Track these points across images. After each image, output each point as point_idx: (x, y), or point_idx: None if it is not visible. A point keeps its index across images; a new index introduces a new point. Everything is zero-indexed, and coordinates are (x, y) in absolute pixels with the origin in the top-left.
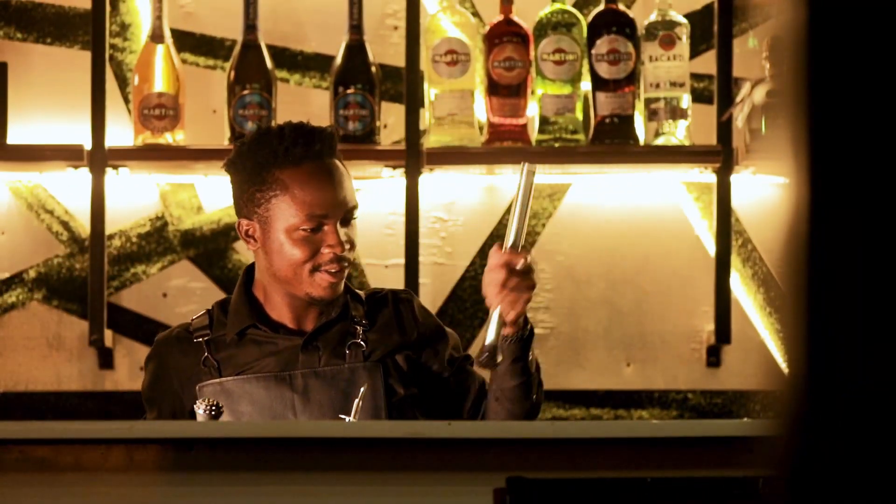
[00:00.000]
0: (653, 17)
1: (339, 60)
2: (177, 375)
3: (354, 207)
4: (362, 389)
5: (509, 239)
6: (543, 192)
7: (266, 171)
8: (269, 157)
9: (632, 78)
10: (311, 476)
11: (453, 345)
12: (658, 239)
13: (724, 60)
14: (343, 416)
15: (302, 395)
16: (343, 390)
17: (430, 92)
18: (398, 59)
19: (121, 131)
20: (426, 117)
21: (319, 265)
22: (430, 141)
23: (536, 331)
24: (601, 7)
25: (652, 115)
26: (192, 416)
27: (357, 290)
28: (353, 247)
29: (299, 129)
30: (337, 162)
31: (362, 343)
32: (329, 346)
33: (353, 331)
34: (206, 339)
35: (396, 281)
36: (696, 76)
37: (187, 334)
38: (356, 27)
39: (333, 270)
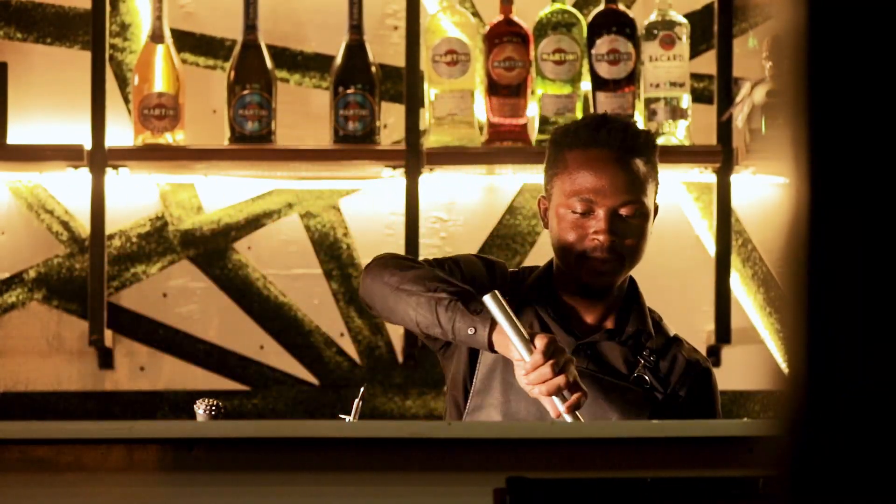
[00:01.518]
0: (653, 17)
1: (339, 60)
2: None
3: (632, 203)
4: (362, 389)
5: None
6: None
7: (559, 150)
8: (564, 136)
9: (632, 78)
10: (310, 476)
11: None
12: (658, 239)
13: (724, 60)
14: (343, 417)
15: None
16: (608, 405)
17: (430, 92)
18: (398, 59)
19: (121, 131)
20: (426, 117)
21: (585, 252)
22: (430, 141)
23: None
24: (601, 7)
25: (652, 115)
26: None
27: (665, 326)
28: (628, 245)
29: (602, 117)
30: (634, 159)
31: (647, 380)
32: (607, 360)
33: (637, 362)
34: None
35: None
36: (696, 76)
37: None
38: (356, 27)
39: (598, 258)
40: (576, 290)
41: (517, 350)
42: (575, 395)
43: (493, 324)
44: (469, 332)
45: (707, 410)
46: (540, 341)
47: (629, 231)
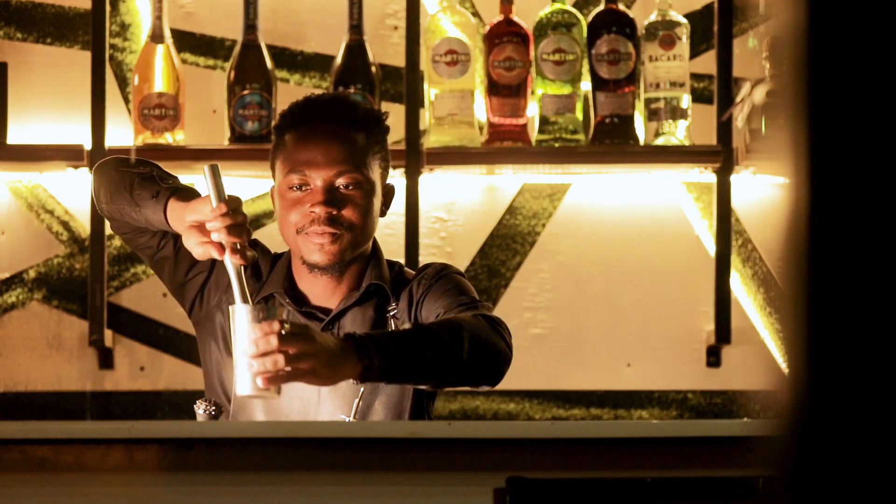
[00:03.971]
0: (653, 17)
1: (339, 60)
2: (223, 295)
3: (348, 174)
4: (361, 389)
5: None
6: (544, 193)
7: (280, 133)
8: (283, 119)
9: (632, 78)
10: (310, 476)
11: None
12: (658, 239)
13: (724, 60)
14: (343, 417)
15: None
16: None
17: (430, 92)
18: (398, 59)
19: (121, 131)
20: (426, 117)
21: (303, 227)
22: (430, 141)
23: (537, 331)
24: (601, 7)
25: (652, 115)
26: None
27: (406, 271)
28: (347, 216)
29: (319, 95)
30: (350, 132)
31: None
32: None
33: (384, 320)
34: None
35: None
36: (696, 76)
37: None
38: (356, 27)
39: (317, 231)
40: (308, 272)
41: (212, 202)
42: (241, 249)
43: (176, 193)
44: (151, 197)
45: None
46: (230, 199)
47: (348, 203)
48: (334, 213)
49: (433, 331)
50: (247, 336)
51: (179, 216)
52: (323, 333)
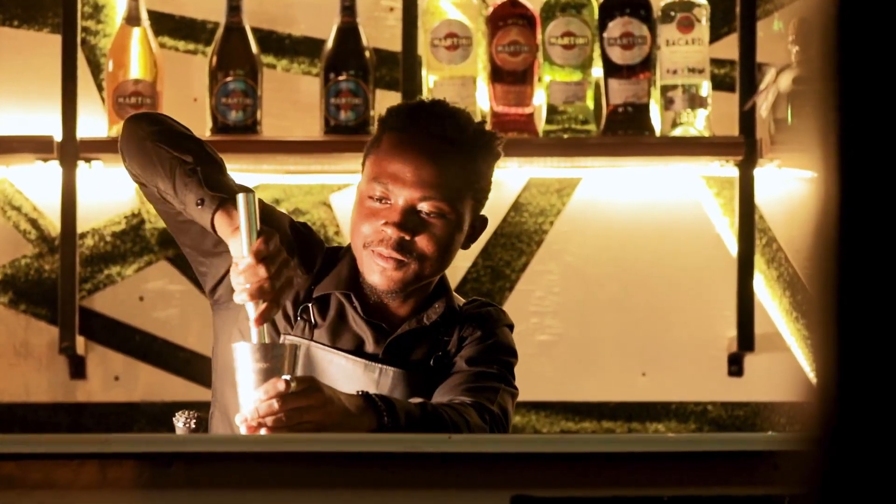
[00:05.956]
0: None
1: (330, 45)
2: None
3: (432, 200)
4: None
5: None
6: (552, 188)
7: (381, 130)
8: (388, 116)
9: (647, 63)
10: (300, 494)
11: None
12: (675, 237)
13: (747, 45)
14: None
15: (387, 394)
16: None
17: (428, 79)
18: (394, 44)
19: (94, 121)
20: None
21: (371, 243)
22: None
23: (544, 337)
24: None
25: (669, 103)
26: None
27: (458, 301)
28: (420, 245)
29: (433, 101)
30: (452, 154)
31: (444, 359)
32: (414, 351)
33: (439, 343)
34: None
35: None
36: (716, 62)
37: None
38: (349, 9)
39: (383, 255)
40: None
41: (242, 245)
42: (264, 306)
43: (224, 205)
44: (196, 204)
45: (480, 350)
46: (260, 243)
47: (425, 231)
48: (407, 238)
49: (443, 419)
50: (251, 382)
51: (225, 235)
52: (330, 387)
